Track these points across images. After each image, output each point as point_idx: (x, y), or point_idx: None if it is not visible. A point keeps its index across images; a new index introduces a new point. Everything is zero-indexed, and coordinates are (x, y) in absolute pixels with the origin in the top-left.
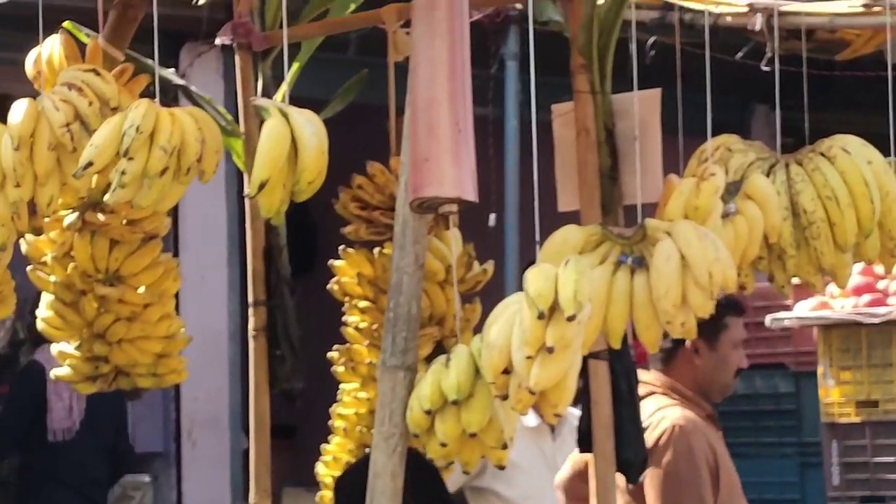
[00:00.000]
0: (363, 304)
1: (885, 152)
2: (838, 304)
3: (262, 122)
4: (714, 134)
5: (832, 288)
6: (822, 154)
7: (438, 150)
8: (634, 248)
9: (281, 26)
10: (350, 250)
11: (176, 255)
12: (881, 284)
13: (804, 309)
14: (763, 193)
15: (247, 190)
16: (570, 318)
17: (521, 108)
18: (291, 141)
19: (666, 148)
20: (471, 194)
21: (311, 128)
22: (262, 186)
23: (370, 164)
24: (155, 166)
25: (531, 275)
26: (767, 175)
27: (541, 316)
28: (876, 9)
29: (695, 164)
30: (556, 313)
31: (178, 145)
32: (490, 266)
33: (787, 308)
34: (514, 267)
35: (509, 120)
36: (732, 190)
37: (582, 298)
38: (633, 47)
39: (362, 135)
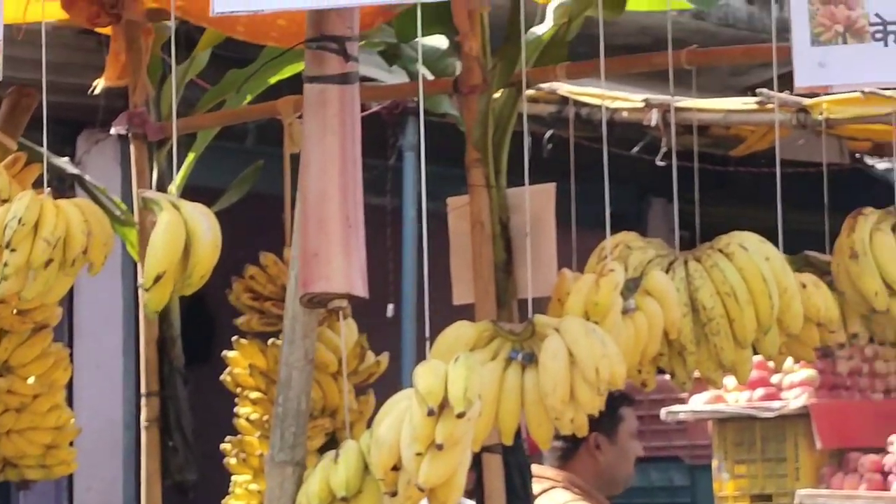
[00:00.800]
0: (254, 395)
1: (785, 243)
2: (733, 397)
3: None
4: (612, 226)
5: (727, 381)
6: (721, 251)
7: (328, 244)
8: (525, 344)
9: (177, 116)
10: (243, 341)
11: (71, 343)
12: (775, 378)
13: (699, 402)
14: (662, 290)
15: (140, 281)
16: (460, 416)
17: (419, 198)
18: (186, 235)
19: (566, 240)
20: (360, 290)
21: (206, 222)
22: (157, 279)
23: (263, 255)
24: (38, 258)
25: (421, 371)
26: (667, 272)
27: (430, 413)
28: (769, 106)
29: (594, 261)
30: (445, 410)
31: (63, 237)
32: (384, 358)
33: (682, 401)
34: (411, 358)
35: (407, 210)
36: (632, 286)
37: (472, 395)
38: (527, 141)
39: (259, 224)
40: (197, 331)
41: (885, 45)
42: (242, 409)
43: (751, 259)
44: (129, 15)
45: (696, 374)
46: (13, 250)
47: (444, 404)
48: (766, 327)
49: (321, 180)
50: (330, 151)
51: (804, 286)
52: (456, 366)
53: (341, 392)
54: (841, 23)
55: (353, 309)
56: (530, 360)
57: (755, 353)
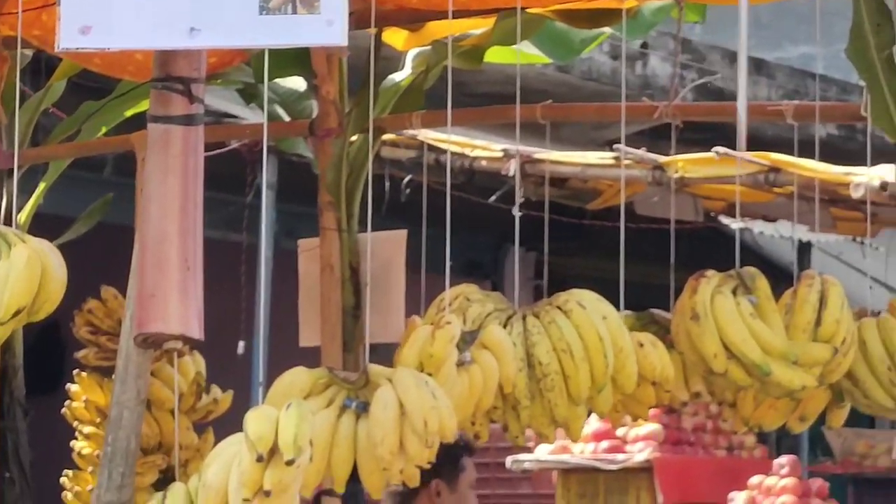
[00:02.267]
0: (88, 429)
1: (635, 300)
2: (578, 448)
3: None
4: (469, 273)
5: None
6: (559, 307)
7: (166, 286)
8: (360, 392)
9: (30, 146)
10: (83, 374)
11: None
12: (620, 431)
13: (544, 452)
14: (499, 344)
15: None
16: (290, 463)
17: (275, 236)
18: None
19: (417, 285)
20: (196, 332)
21: (56, 258)
22: (16, 314)
23: (104, 289)
24: None
25: (251, 417)
26: (504, 326)
27: (259, 459)
28: (626, 162)
29: (433, 312)
30: (275, 457)
31: None
32: (224, 395)
33: (528, 450)
34: (260, 396)
35: (263, 248)
36: (469, 339)
37: (302, 443)
38: (370, 190)
39: (112, 255)
40: (45, 360)
41: None
42: (77, 444)
43: (588, 317)
44: None
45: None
46: None
47: (273, 450)
48: (601, 385)
49: (161, 221)
50: (171, 192)
51: (641, 345)
52: (288, 412)
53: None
54: None
55: (203, 345)
56: (364, 408)
57: (589, 410)
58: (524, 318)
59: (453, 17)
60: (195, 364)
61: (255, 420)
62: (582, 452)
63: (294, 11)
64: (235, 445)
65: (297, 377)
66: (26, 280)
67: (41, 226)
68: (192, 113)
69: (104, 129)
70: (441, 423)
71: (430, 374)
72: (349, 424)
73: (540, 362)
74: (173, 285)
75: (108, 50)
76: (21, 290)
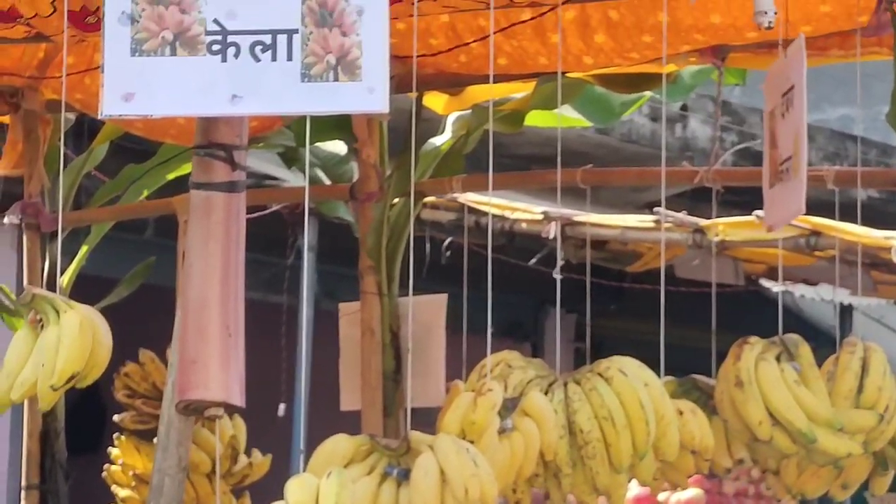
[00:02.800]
0: (124, 493)
1: (675, 363)
2: None
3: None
4: (510, 334)
5: None
6: (600, 374)
7: (207, 352)
8: (401, 459)
9: (73, 208)
10: (122, 437)
11: None
12: (662, 497)
13: None
14: (540, 411)
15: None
16: None
17: (316, 298)
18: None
19: (459, 347)
20: (237, 399)
21: (103, 325)
22: (70, 379)
23: (142, 352)
24: None
25: (292, 485)
26: (546, 393)
27: None
28: (665, 225)
29: (475, 378)
30: None
31: None
32: (260, 460)
33: None
34: (301, 459)
35: (304, 309)
36: (510, 406)
37: None
38: (410, 255)
39: (154, 316)
40: (86, 423)
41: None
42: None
43: (629, 384)
44: (27, 105)
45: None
46: None
47: None
48: (643, 453)
49: (202, 288)
50: (213, 259)
51: (681, 413)
52: (328, 481)
53: (214, 493)
54: None
55: (244, 407)
56: (405, 476)
57: (630, 478)
58: (565, 384)
59: (494, 82)
60: (233, 427)
61: (296, 488)
62: None
63: (336, 79)
64: None
65: (338, 444)
66: (79, 347)
67: (84, 288)
68: (234, 180)
69: (146, 193)
70: (482, 491)
71: (471, 442)
72: (391, 492)
73: (581, 430)
74: (215, 352)
75: (150, 117)
76: (75, 357)
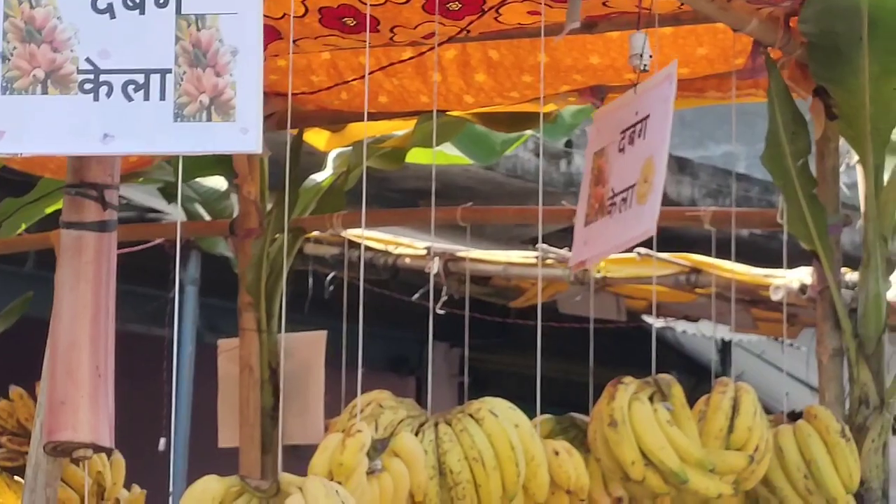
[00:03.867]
0: None
1: (559, 397)
2: None
3: None
4: (393, 368)
5: None
6: (471, 415)
7: (76, 393)
8: (271, 501)
9: None
10: (3, 475)
11: None
12: None
13: None
14: (410, 451)
15: None
16: None
17: (198, 331)
18: None
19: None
20: (107, 440)
21: None
22: None
23: (11, 388)
24: None
25: None
26: (416, 433)
27: None
28: (548, 261)
29: (346, 418)
30: None
31: None
32: (136, 495)
33: None
34: (179, 493)
35: (185, 344)
36: (380, 447)
37: None
38: (284, 291)
39: (35, 349)
40: None
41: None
42: None
43: (500, 425)
44: None
45: None
46: None
47: None
48: (512, 494)
49: (72, 328)
50: (83, 299)
51: (557, 453)
52: None
53: None
54: None
55: (126, 440)
56: None
57: None
58: (436, 425)
59: (373, 119)
60: (108, 463)
61: None
62: None
63: (209, 119)
64: None
65: (208, 485)
66: None
67: None
68: (105, 219)
69: (24, 226)
70: None
71: (340, 483)
72: None
73: (451, 470)
74: (84, 393)
75: (20, 155)
76: None
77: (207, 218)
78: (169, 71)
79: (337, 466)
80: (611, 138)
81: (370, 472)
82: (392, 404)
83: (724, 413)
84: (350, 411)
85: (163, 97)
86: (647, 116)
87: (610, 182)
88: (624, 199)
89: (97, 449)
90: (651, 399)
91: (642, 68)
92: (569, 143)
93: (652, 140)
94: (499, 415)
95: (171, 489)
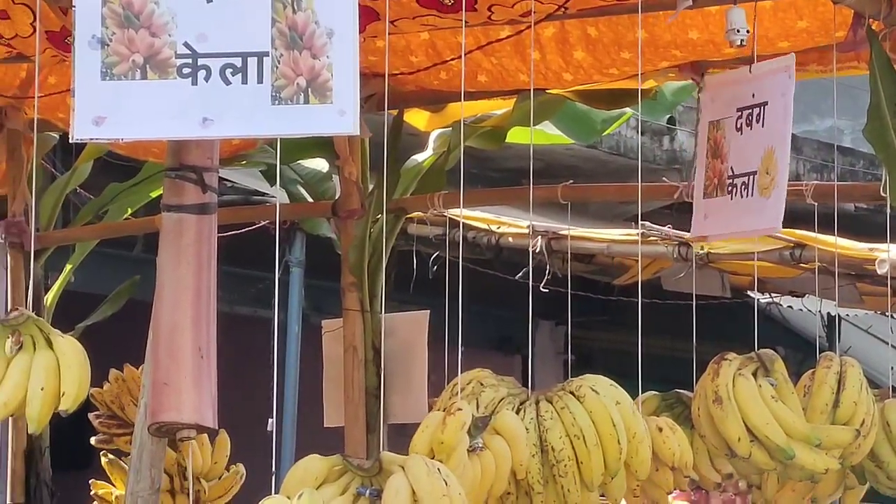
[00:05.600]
0: None
1: (664, 374)
2: None
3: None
4: (500, 348)
5: None
6: (572, 393)
7: (179, 375)
8: (373, 479)
9: (55, 227)
10: (110, 457)
11: None
12: None
13: None
14: (511, 429)
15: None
16: None
17: (304, 312)
18: None
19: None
20: (210, 421)
21: (83, 354)
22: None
23: (112, 372)
24: None
25: None
26: (517, 411)
27: None
28: (651, 238)
29: (447, 397)
30: None
31: None
32: (240, 473)
33: None
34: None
35: (292, 325)
36: (481, 425)
37: None
38: (383, 269)
39: (141, 332)
40: (71, 440)
41: (744, 197)
42: None
43: (601, 402)
44: (10, 124)
45: None
46: None
47: None
48: (614, 471)
49: (174, 311)
50: (184, 281)
51: (660, 429)
52: (299, 502)
53: None
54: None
55: (232, 421)
56: (377, 496)
57: (602, 496)
58: (537, 403)
59: (472, 99)
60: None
61: None
62: None
63: (306, 101)
64: None
65: (311, 464)
66: (85, 373)
67: (71, 304)
68: (205, 202)
69: (129, 210)
70: None
71: (441, 461)
72: None
73: (553, 448)
74: (187, 374)
75: (121, 141)
76: (84, 382)
77: (309, 200)
78: (266, 54)
79: (438, 444)
80: (726, 113)
81: (471, 450)
82: (493, 382)
83: (829, 387)
84: (451, 390)
85: (260, 80)
86: (766, 104)
87: (729, 160)
88: (745, 185)
89: (201, 430)
90: (755, 375)
91: (739, 43)
92: (671, 121)
93: (773, 132)
94: (600, 392)
95: (273, 469)
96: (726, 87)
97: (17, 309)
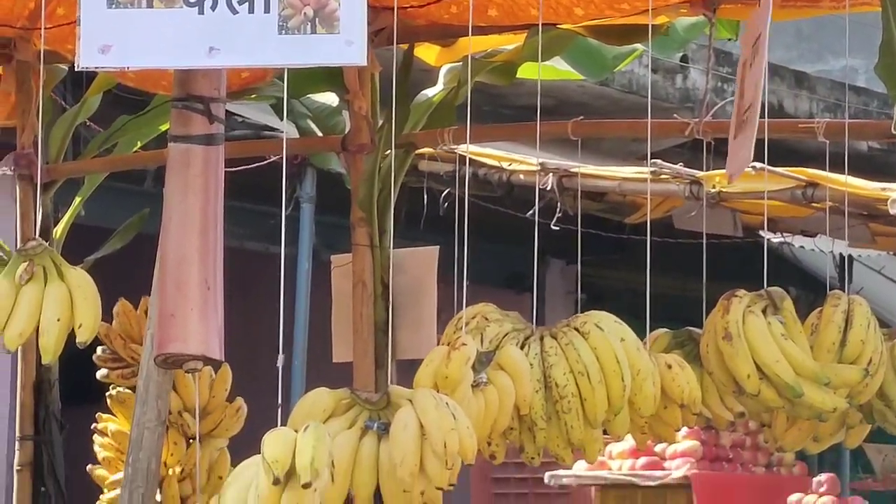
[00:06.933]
0: (103, 454)
1: (676, 313)
2: (616, 464)
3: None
4: (512, 286)
5: (613, 447)
6: (577, 329)
7: (185, 306)
8: (381, 413)
9: (65, 159)
10: (115, 391)
11: None
12: (658, 448)
13: (582, 468)
14: (515, 364)
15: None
16: (306, 486)
17: (313, 249)
18: None
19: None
20: (216, 352)
21: (94, 287)
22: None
23: (120, 302)
24: None
25: (269, 439)
26: (522, 347)
27: (276, 482)
28: (663, 176)
29: (451, 331)
30: (292, 479)
31: None
32: (237, 408)
33: (566, 466)
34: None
35: (302, 261)
36: (485, 360)
37: (319, 465)
38: (390, 206)
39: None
40: (79, 372)
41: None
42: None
43: (605, 339)
44: (20, 56)
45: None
46: None
47: (290, 473)
48: (618, 408)
49: (181, 242)
50: (191, 212)
51: (669, 366)
52: (305, 435)
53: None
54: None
55: (243, 356)
56: (385, 430)
57: (605, 432)
58: (542, 338)
59: (484, 34)
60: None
61: (272, 442)
62: (620, 468)
63: (313, 31)
64: (254, 467)
65: (318, 398)
66: (97, 305)
67: (80, 237)
68: (212, 132)
69: (139, 143)
70: (461, 444)
71: (446, 395)
72: (371, 446)
73: (556, 384)
74: (193, 305)
75: (126, 69)
76: (97, 315)
77: (319, 134)
78: None
79: (442, 379)
80: (747, 52)
81: (475, 385)
82: (497, 317)
83: (836, 326)
84: (455, 324)
85: (267, 10)
86: (759, 36)
87: (745, 97)
88: (746, 119)
89: (207, 361)
90: (764, 312)
91: None
92: (684, 59)
93: (759, 62)
94: (604, 328)
95: (279, 402)
96: (749, 27)
97: (34, 239)
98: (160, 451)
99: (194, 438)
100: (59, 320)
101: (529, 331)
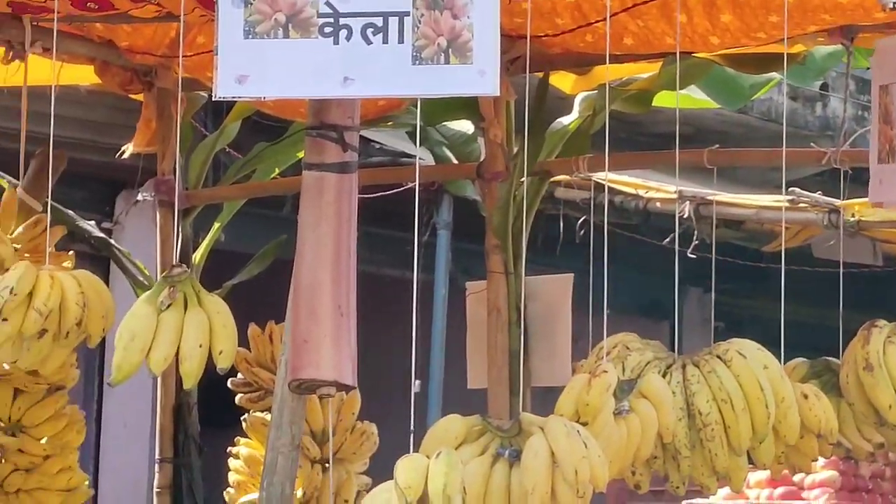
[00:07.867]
0: (234, 477)
1: (813, 343)
2: (754, 493)
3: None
4: (648, 314)
5: (751, 476)
6: (719, 357)
7: (319, 332)
8: (513, 440)
9: (204, 185)
10: (254, 416)
11: (101, 402)
12: (797, 477)
13: (719, 498)
14: (658, 393)
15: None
16: None
17: (451, 275)
18: None
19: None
20: (349, 378)
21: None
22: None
23: (251, 327)
24: (30, 328)
25: (402, 465)
26: (664, 375)
27: None
28: (801, 205)
29: (592, 360)
30: None
31: (56, 308)
32: (361, 431)
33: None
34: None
35: (438, 287)
36: (627, 388)
37: (451, 492)
38: (524, 232)
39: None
40: (218, 395)
41: None
42: (229, 489)
43: (748, 366)
44: (160, 83)
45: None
46: (5, 320)
47: (423, 499)
48: (762, 436)
49: (314, 268)
50: (324, 240)
51: (806, 397)
52: (437, 461)
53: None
54: None
55: (378, 383)
56: (516, 457)
57: (750, 461)
58: (684, 367)
59: (619, 62)
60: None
61: (405, 468)
62: (758, 498)
63: (447, 61)
64: (387, 493)
65: (450, 424)
66: (233, 332)
67: (219, 262)
68: (345, 161)
69: (277, 170)
70: (592, 473)
71: (586, 423)
72: (503, 473)
73: (700, 412)
74: (327, 332)
75: (262, 99)
76: (232, 341)
77: (455, 161)
78: (407, 14)
79: (583, 406)
80: (891, 77)
81: (617, 413)
82: (639, 346)
83: None
84: (597, 353)
85: (401, 40)
86: None
87: (895, 124)
88: None
89: (340, 387)
90: None
91: (891, 6)
92: (824, 87)
93: None
94: (747, 356)
95: (412, 428)
96: (888, 51)
97: (179, 265)
98: (294, 475)
99: (316, 461)
100: (200, 346)
101: (671, 359)
